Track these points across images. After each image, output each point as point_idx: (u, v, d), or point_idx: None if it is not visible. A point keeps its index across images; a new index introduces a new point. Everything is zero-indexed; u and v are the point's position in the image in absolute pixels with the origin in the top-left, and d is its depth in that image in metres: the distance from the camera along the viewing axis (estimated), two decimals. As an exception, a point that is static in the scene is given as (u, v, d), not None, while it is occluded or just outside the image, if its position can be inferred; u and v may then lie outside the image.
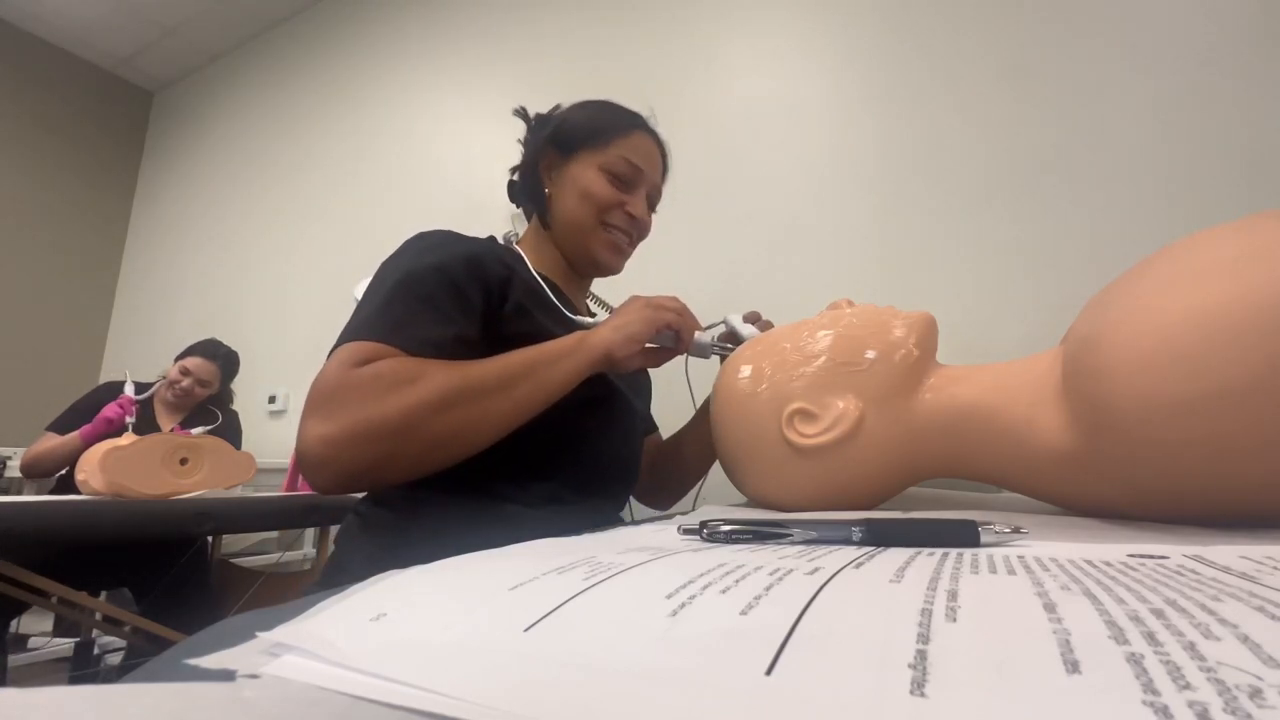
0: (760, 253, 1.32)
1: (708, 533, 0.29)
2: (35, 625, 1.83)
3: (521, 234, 0.76)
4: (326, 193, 2.32)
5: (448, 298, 0.55)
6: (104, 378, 2.76)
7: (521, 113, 0.74)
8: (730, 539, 0.28)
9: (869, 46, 1.27)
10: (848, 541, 0.26)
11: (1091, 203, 1.00)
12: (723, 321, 0.68)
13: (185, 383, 1.61)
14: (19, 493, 1.81)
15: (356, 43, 2.38)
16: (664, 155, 0.74)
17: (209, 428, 1.51)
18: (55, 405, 1.56)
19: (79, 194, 3.01)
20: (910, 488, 0.52)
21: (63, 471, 1.59)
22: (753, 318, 0.67)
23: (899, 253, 1.16)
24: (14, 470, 1.82)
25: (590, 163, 0.68)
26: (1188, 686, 0.09)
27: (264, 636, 0.15)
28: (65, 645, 1.74)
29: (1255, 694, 0.09)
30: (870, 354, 0.45)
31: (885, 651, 0.12)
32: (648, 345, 0.58)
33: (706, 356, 0.67)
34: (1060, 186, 1.03)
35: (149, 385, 1.61)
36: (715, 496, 0.67)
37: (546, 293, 0.65)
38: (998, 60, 1.13)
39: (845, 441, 0.43)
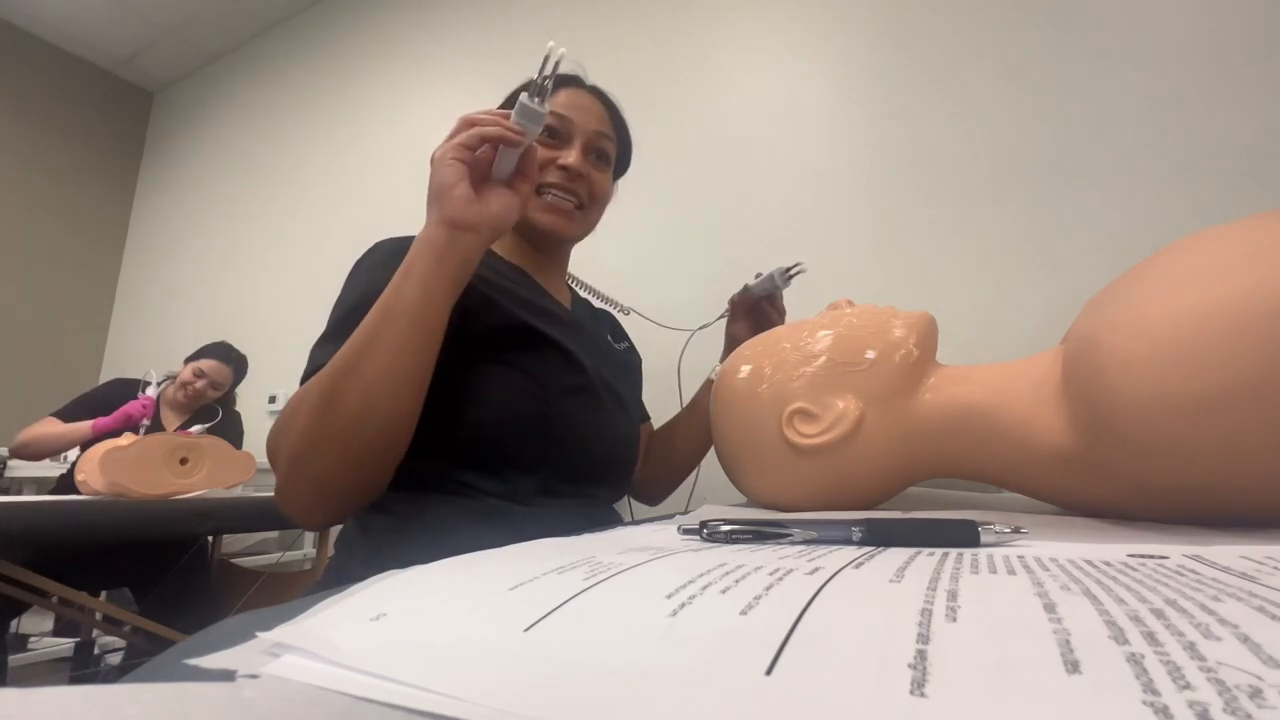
0: (760, 253, 1.31)
1: (708, 533, 0.29)
2: (35, 625, 1.83)
3: None
4: (327, 191, 2.32)
5: None
6: (104, 377, 2.76)
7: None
8: (730, 539, 0.28)
9: (868, 47, 1.27)
10: (848, 541, 0.26)
11: (1092, 202, 1.00)
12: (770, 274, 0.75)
13: (199, 384, 1.63)
14: (19, 493, 1.81)
15: (356, 42, 2.38)
16: (608, 107, 0.70)
17: (208, 425, 1.51)
18: (56, 405, 1.56)
19: (79, 194, 3.01)
20: (910, 488, 0.52)
21: (64, 471, 1.59)
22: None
23: (899, 253, 1.16)
24: (14, 470, 1.83)
25: None
26: (1188, 686, 0.09)
27: (264, 636, 0.15)
28: (65, 645, 1.75)
29: (1255, 694, 0.09)
30: (870, 354, 0.45)
31: (885, 651, 0.12)
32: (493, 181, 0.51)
33: (783, 287, 0.74)
34: (1060, 186, 1.03)
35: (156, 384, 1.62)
36: (715, 496, 0.67)
37: (512, 280, 0.63)
38: (997, 60, 1.13)
39: (845, 441, 0.43)
